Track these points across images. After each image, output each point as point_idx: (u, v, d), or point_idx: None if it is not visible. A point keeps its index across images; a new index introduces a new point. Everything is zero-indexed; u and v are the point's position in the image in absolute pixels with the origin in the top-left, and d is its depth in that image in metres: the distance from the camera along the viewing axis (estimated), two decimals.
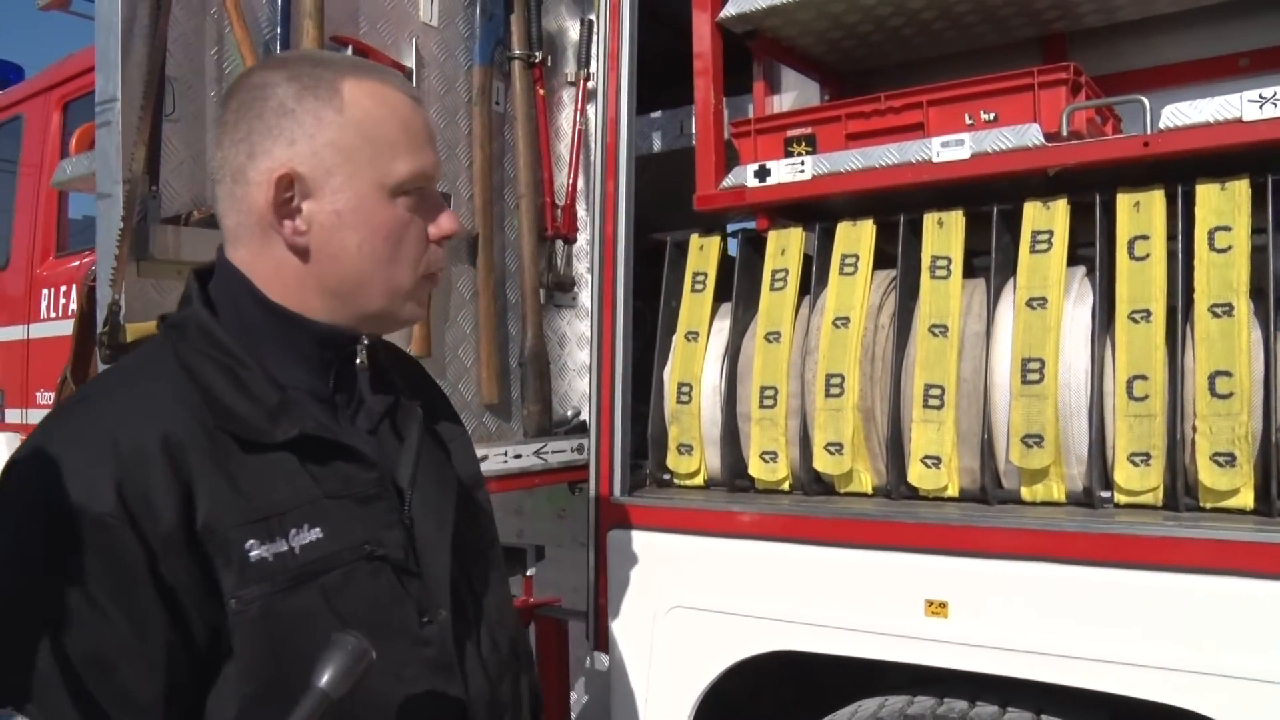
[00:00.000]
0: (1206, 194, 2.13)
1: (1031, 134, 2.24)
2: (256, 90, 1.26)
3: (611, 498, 2.57)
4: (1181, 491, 2.07)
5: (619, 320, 2.59)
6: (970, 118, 2.37)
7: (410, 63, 2.80)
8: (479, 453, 2.62)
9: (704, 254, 2.73)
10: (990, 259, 2.32)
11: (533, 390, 3.00)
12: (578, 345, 3.31)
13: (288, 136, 1.24)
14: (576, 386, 3.26)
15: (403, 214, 1.29)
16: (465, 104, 2.99)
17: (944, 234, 2.39)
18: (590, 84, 3.24)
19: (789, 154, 2.57)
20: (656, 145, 3.24)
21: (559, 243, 3.20)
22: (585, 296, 3.24)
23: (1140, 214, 2.18)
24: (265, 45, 2.45)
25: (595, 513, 2.59)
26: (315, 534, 1.21)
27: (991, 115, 2.36)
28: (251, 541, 1.17)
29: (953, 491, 2.29)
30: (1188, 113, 2.11)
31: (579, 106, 3.32)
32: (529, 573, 3.28)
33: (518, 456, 2.84)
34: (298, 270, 1.27)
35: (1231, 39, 2.63)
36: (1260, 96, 2.03)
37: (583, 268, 3.29)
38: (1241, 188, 2.09)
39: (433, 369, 2.69)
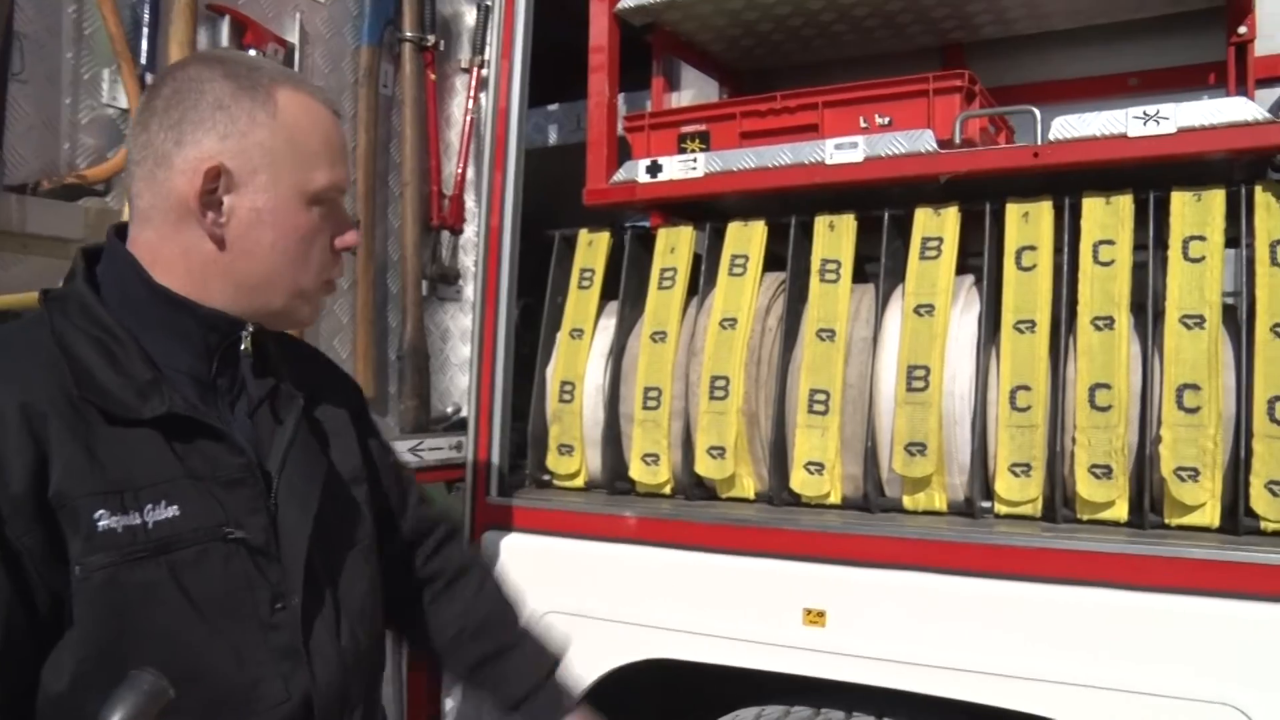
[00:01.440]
0: (1092, 208, 2.15)
1: (925, 140, 2.25)
2: (193, 82, 1.32)
3: (488, 498, 2.52)
4: (1060, 503, 2.08)
5: (502, 315, 2.55)
6: (865, 121, 2.38)
7: (293, 38, 2.69)
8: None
9: (592, 250, 2.69)
10: (880, 264, 2.31)
11: (411, 385, 2.93)
12: (460, 340, 3.24)
13: (220, 131, 1.31)
14: (458, 382, 3.19)
15: (315, 220, 1.37)
16: (351, 85, 2.90)
17: (835, 237, 2.38)
18: (484, 71, 3.17)
19: (682, 150, 2.56)
20: (552, 138, 3.19)
21: (445, 233, 3.13)
22: (471, 290, 3.17)
23: (1029, 224, 2.20)
24: (132, 9, 2.32)
25: (471, 513, 2.53)
26: (171, 511, 1.23)
27: (886, 120, 2.36)
28: (101, 511, 1.18)
29: (835, 499, 2.27)
30: (1076, 125, 2.14)
31: (471, 94, 3.24)
32: None
33: None
34: (208, 258, 1.33)
35: (1122, 59, 2.69)
36: (1144, 114, 2.06)
37: (470, 261, 3.22)
38: (1125, 203, 2.12)
39: None
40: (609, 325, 2.61)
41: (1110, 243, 2.11)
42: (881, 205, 2.32)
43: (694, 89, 3.02)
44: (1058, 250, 2.15)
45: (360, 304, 2.82)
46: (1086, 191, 2.15)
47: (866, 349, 2.29)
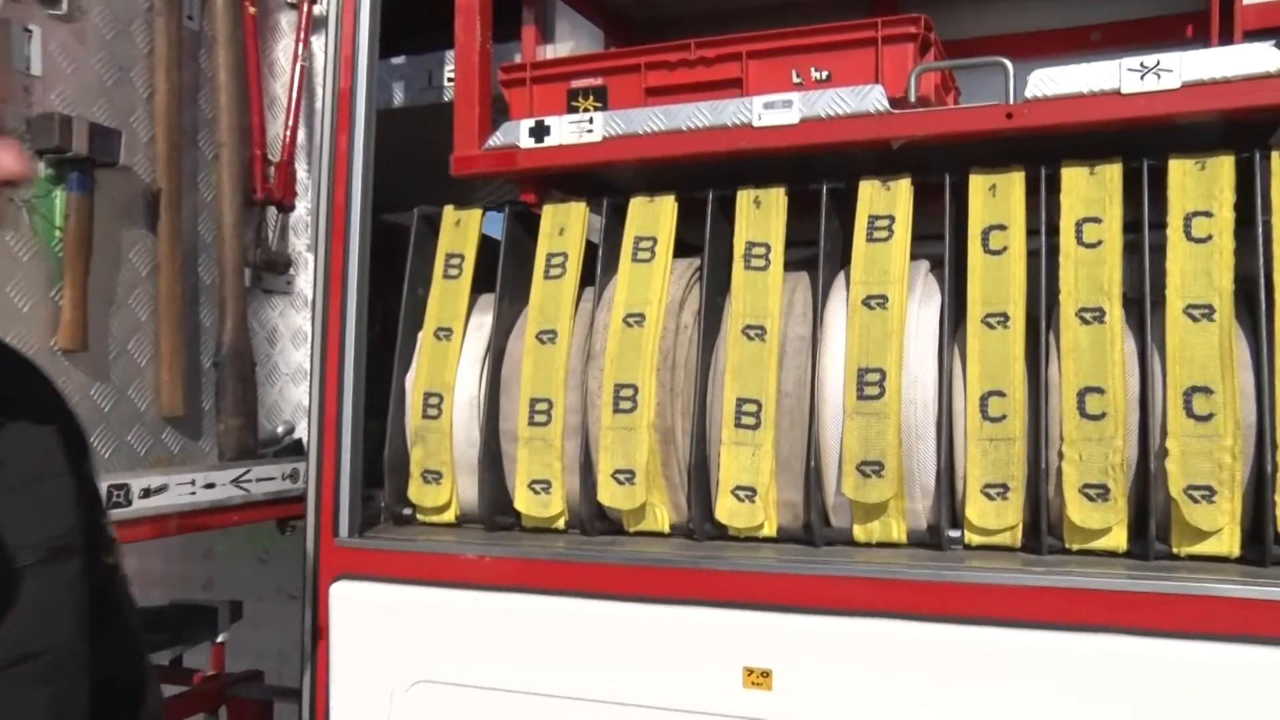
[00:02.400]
0: (1074, 179, 2.01)
1: (873, 98, 2.08)
2: None
3: (336, 539, 2.29)
4: (1045, 530, 1.96)
5: (350, 312, 2.31)
6: (799, 75, 2.20)
7: None
8: (156, 480, 2.27)
9: (460, 231, 2.45)
10: (819, 247, 2.16)
11: (232, 399, 2.58)
12: (293, 342, 2.95)
13: None
14: (291, 395, 2.89)
15: None
16: (144, 11, 2.48)
17: (762, 215, 2.22)
18: (318, 8, 2.85)
19: (573, 109, 2.36)
20: (398, 98, 2.89)
21: (272, 209, 2.85)
22: (305, 281, 2.93)
23: (997, 200, 2.05)
24: None
25: (314, 559, 2.30)
26: None
27: (824, 74, 2.18)
28: None
29: (769, 530, 2.13)
30: (1058, 81, 1.96)
31: (301, 37, 2.89)
32: (220, 638, 2.78)
33: (209, 486, 2.39)
34: None
35: (1082, 10, 2.58)
36: (1141, 66, 1.89)
37: (302, 244, 2.94)
38: (1113, 173, 1.99)
39: (90, 369, 2.30)
40: (483, 323, 2.41)
41: (1096, 220, 1.98)
42: (819, 177, 2.18)
43: (573, 41, 2.75)
44: (1032, 231, 2.03)
45: (163, 297, 2.47)
46: (1066, 160, 2.01)
47: (804, 349, 2.14)
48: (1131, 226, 1.98)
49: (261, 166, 2.79)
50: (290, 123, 2.87)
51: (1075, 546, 1.94)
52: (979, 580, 1.87)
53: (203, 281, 2.64)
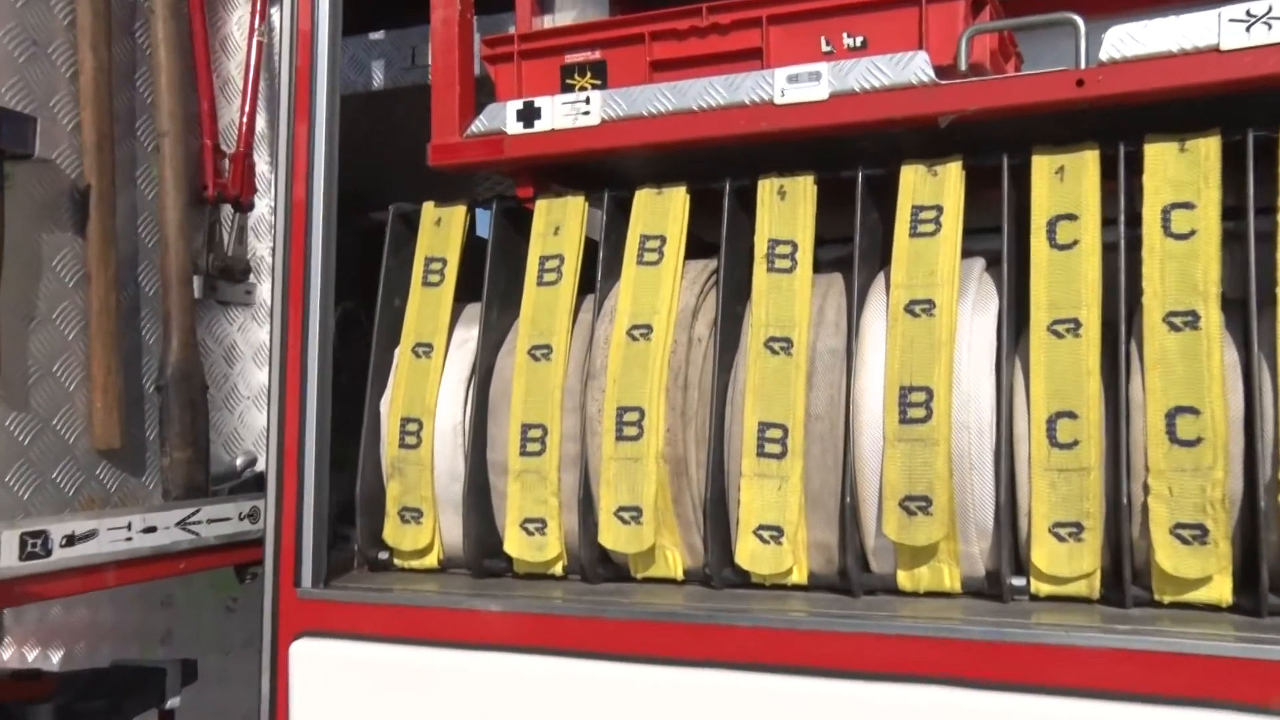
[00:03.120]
0: (1160, 157, 1.84)
1: (916, 67, 1.94)
2: None
3: (298, 590, 2.17)
4: (1128, 579, 1.80)
5: (312, 324, 2.19)
6: (829, 42, 2.07)
7: None
8: (81, 525, 2.12)
9: (442, 231, 2.33)
10: (854, 245, 2.04)
11: (178, 428, 2.42)
12: (255, 361, 2.83)
13: None
14: (253, 422, 2.77)
15: None
16: None
17: (787, 208, 2.10)
18: None
19: (568, 88, 2.25)
20: (378, 79, 2.77)
21: (227, 208, 2.73)
22: (268, 290, 2.80)
23: (1065, 184, 1.91)
24: None
25: (273, 613, 2.19)
26: None
27: (858, 40, 2.05)
28: None
29: (799, 577, 2.01)
30: (1141, 38, 1.77)
31: (257, 8, 2.78)
32: (169, 704, 2.61)
33: (148, 531, 2.23)
34: None
35: None
36: (1249, 14, 1.69)
37: (264, 247, 2.85)
38: (1209, 148, 1.82)
39: (3, 395, 2.13)
40: (468, 337, 2.31)
41: (1187, 206, 1.81)
42: (854, 162, 2.07)
43: (575, 10, 2.61)
44: (1109, 221, 1.88)
45: (95, 310, 2.32)
46: (1150, 135, 1.85)
47: (837, 365, 2.01)
48: (1231, 213, 1.82)
49: (213, 158, 2.68)
50: (246, 108, 2.75)
51: (1167, 599, 1.78)
52: (1049, 640, 1.70)
53: (145, 292, 2.51)
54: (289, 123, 2.17)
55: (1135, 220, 1.85)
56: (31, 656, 3.07)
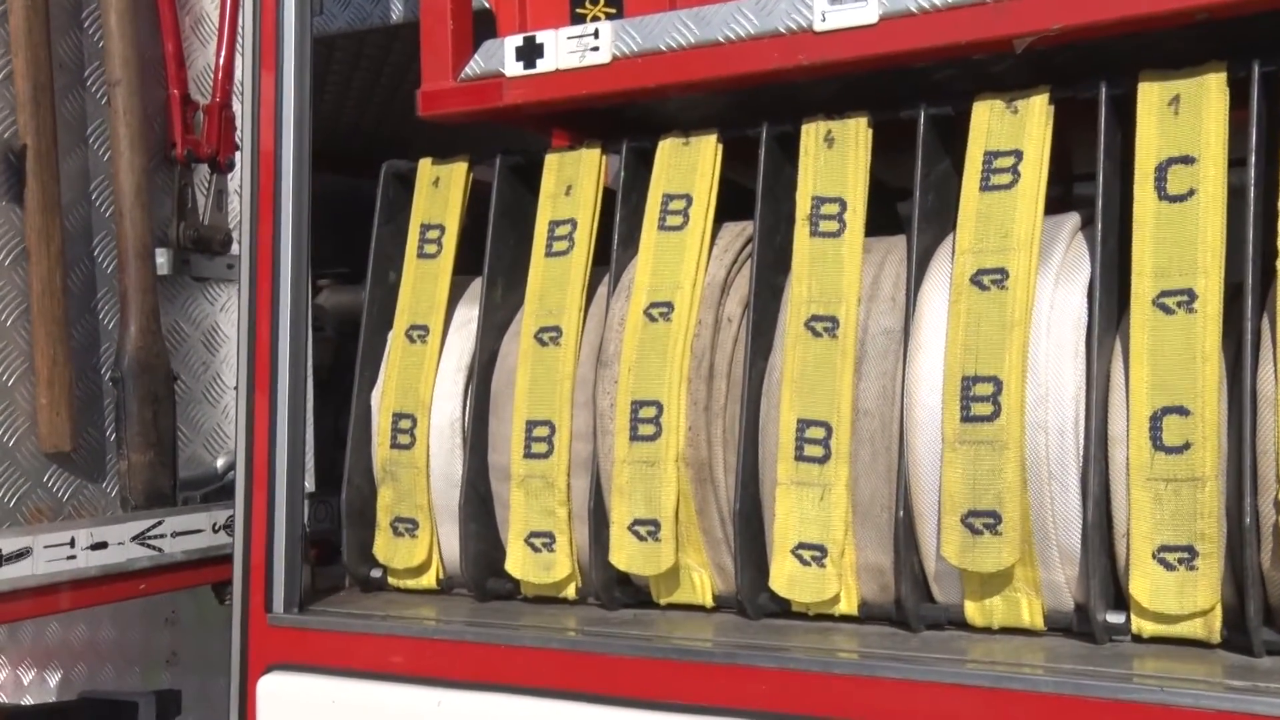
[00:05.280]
0: None
1: None
2: None
3: (270, 615, 2.13)
4: (1256, 618, 1.63)
5: (283, 305, 2.13)
6: None
7: None
8: (11, 542, 2.08)
9: (440, 194, 2.27)
10: (914, 202, 1.93)
11: (137, 427, 2.35)
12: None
13: None
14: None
15: None
16: None
17: (836, 158, 1.99)
18: None
19: (578, 18, 2.16)
20: (397, 12, 2.68)
21: (201, 170, 2.64)
22: None
23: (1181, 118, 1.74)
24: None
25: (241, 642, 2.15)
26: None
27: None
28: None
29: (848, 606, 1.91)
30: None
31: None
32: None
33: (98, 547, 2.18)
34: None
35: None
36: None
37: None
38: None
39: None
40: (469, 318, 2.25)
41: None
42: (913, 100, 1.95)
43: None
44: (1236, 162, 1.71)
45: (36, 293, 2.27)
46: None
47: (893, 350, 1.91)
48: None
49: (181, 112, 2.59)
50: (224, 50, 2.67)
51: None
52: (1159, 700, 1.54)
53: (103, 269, 2.46)
54: (253, 71, 2.14)
55: (1271, 161, 1.68)
56: (28, 679, 3.09)
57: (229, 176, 2.68)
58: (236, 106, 2.67)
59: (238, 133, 2.63)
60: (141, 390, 2.36)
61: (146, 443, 2.35)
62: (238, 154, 2.65)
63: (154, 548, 2.29)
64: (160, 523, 2.31)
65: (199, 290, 2.66)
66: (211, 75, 2.68)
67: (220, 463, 2.59)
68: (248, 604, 2.14)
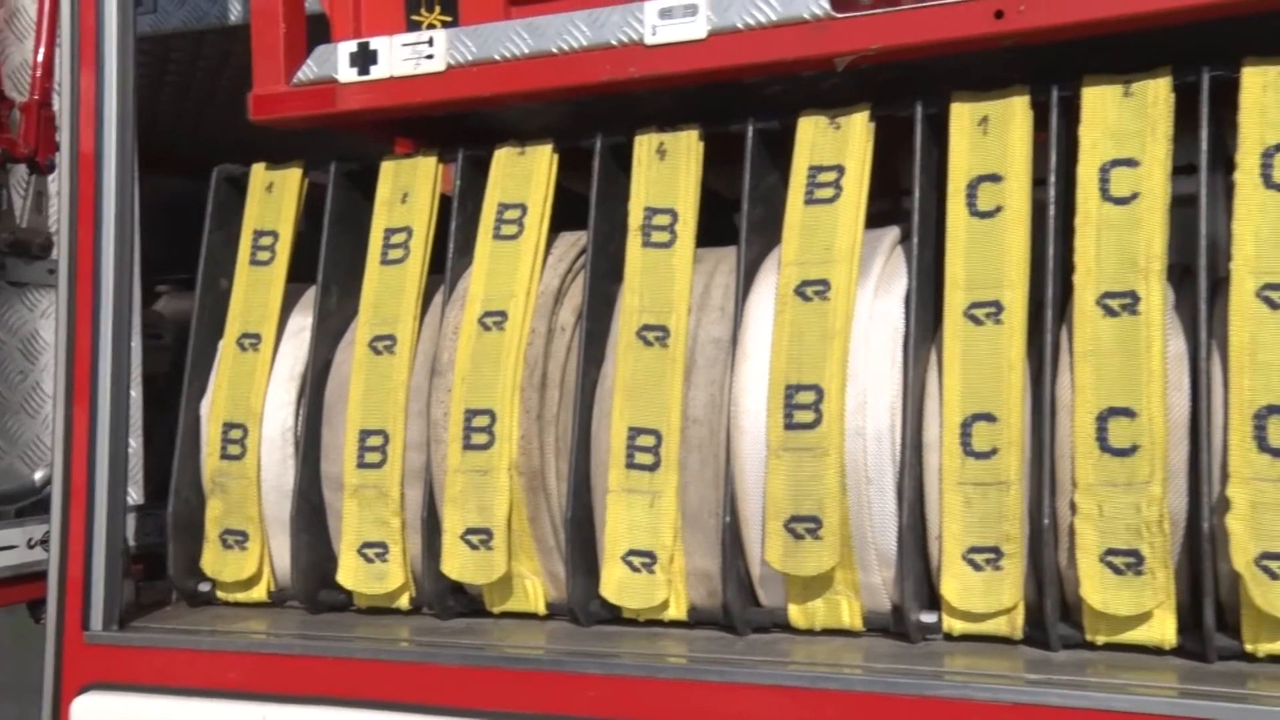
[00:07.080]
0: (1099, 103, 1.81)
1: None
2: None
3: (85, 633, 2.12)
4: (1054, 615, 1.76)
5: (105, 310, 2.13)
6: None
7: None
8: None
9: (274, 199, 2.30)
10: (742, 214, 2.00)
11: None
12: None
13: None
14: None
15: None
16: None
17: (667, 170, 2.07)
18: None
19: (413, 25, 2.28)
20: (234, 16, 2.72)
21: (19, 170, 2.65)
22: None
23: (989, 138, 1.87)
24: None
25: (55, 660, 2.14)
26: None
27: None
28: None
29: (677, 611, 1.98)
30: None
31: None
32: None
33: None
34: None
35: None
36: None
37: None
38: (1158, 91, 1.77)
39: None
40: (303, 326, 2.27)
41: (1130, 164, 1.76)
42: (742, 113, 2.04)
43: None
44: (1039, 181, 1.84)
45: None
46: (1089, 77, 1.81)
47: (722, 358, 1.97)
48: (1183, 171, 1.77)
49: None
50: (42, 46, 2.65)
51: (1100, 640, 1.74)
52: (959, 695, 1.64)
53: None
54: (71, 69, 2.13)
55: (1071, 181, 1.80)
56: None
57: (49, 178, 2.65)
58: (57, 105, 2.63)
59: (58, 133, 2.62)
60: None
61: None
62: (59, 155, 2.64)
63: None
64: None
65: (17, 296, 2.64)
66: (30, 72, 2.65)
67: (39, 475, 2.56)
68: (62, 622, 2.12)
